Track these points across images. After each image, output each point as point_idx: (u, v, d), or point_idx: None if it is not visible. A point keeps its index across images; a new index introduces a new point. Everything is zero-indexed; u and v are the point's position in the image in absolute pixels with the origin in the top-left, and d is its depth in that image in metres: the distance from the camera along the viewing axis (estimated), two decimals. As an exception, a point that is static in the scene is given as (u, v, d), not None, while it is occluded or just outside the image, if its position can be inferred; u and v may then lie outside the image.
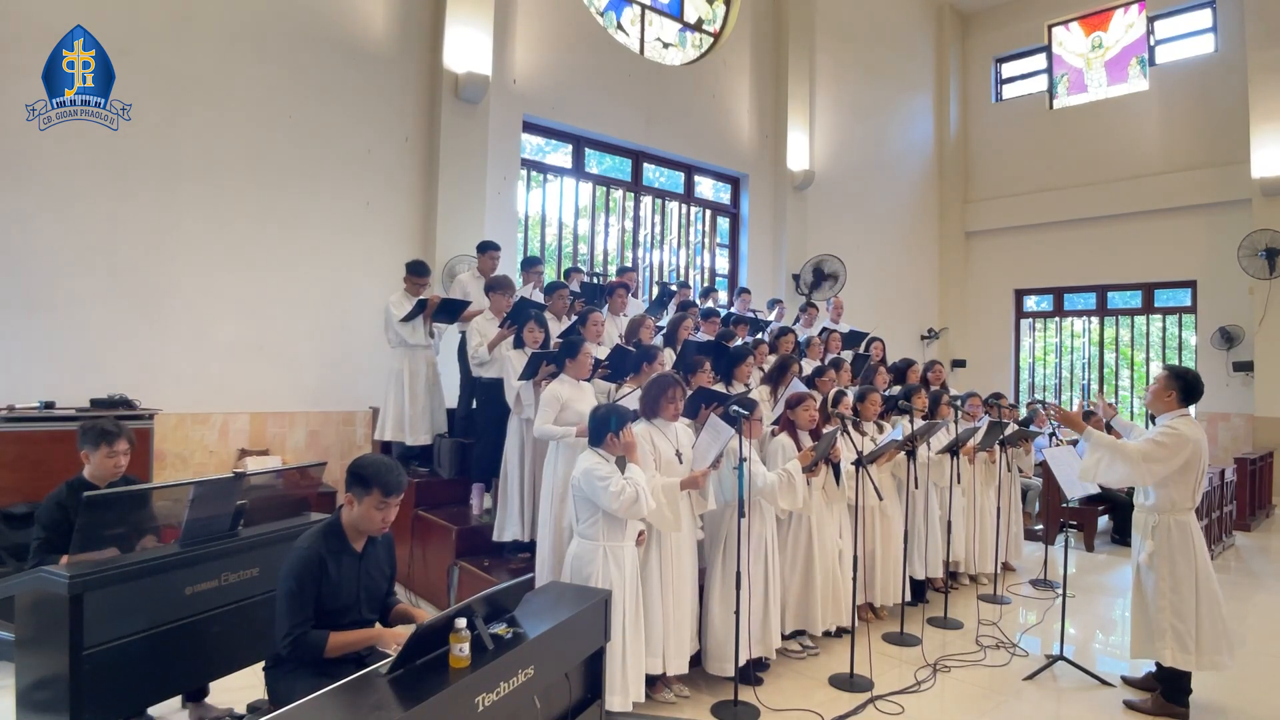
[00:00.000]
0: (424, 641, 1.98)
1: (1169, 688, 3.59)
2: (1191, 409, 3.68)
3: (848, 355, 6.52)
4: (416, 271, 5.39)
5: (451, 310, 5.34)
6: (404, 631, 2.25)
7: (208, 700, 3.17)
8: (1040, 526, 7.28)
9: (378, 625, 2.49)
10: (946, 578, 5.32)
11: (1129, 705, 3.65)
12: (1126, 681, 3.89)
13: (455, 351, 5.76)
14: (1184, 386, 3.62)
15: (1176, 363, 10.82)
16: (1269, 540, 7.69)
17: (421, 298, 5.26)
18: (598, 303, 5.87)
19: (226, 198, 5.75)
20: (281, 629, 2.30)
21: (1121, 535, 7.32)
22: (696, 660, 3.69)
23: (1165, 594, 3.53)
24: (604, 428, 3.19)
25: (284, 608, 2.31)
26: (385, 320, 5.37)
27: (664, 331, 5.57)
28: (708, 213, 9.87)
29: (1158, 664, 3.64)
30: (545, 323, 4.64)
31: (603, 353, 4.64)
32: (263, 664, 2.51)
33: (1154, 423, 3.81)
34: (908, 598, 4.70)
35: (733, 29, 9.71)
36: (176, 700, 3.17)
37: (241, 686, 3.11)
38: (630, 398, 3.96)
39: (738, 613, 3.41)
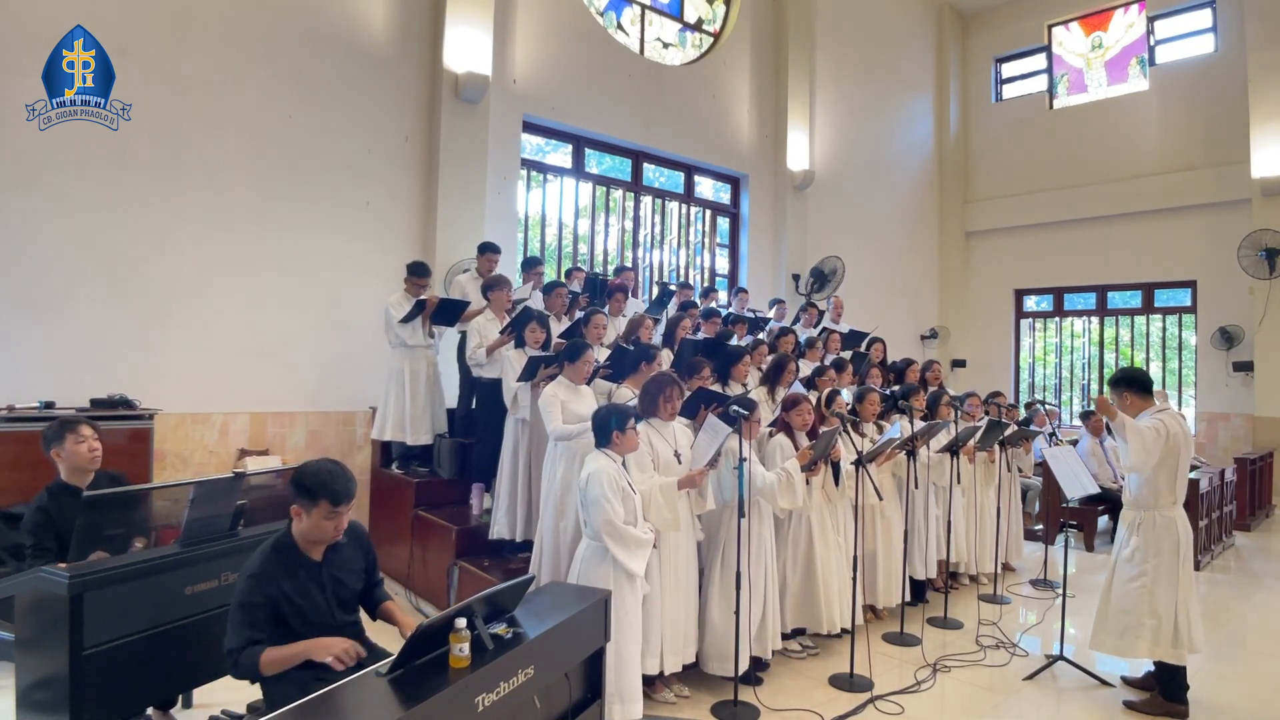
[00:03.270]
0: (424, 641, 1.98)
1: (1167, 687, 3.59)
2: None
3: (847, 355, 6.52)
4: (416, 273, 5.39)
5: (451, 312, 5.33)
6: (336, 641, 2.18)
7: (173, 711, 3.16)
8: (1040, 526, 7.28)
9: (310, 640, 2.32)
10: (946, 578, 5.33)
11: (1128, 705, 3.65)
12: (1126, 681, 3.89)
13: (455, 351, 5.76)
14: (1129, 384, 3.70)
15: (1178, 363, 10.82)
16: (1269, 540, 7.69)
17: (420, 298, 5.25)
18: (599, 300, 5.87)
19: (226, 197, 5.74)
20: (227, 645, 2.26)
21: (1121, 535, 7.31)
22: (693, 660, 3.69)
23: (1146, 588, 3.55)
24: (607, 428, 3.20)
25: (229, 628, 2.26)
26: (385, 321, 5.37)
27: (663, 331, 5.58)
28: (708, 213, 9.87)
29: (1156, 663, 3.64)
30: (547, 322, 4.65)
31: (603, 354, 4.65)
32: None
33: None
34: (907, 598, 4.70)
35: (733, 29, 9.71)
36: (175, 701, 3.17)
37: (241, 686, 3.09)
38: (628, 397, 3.96)
39: (738, 613, 3.41)
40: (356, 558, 2.53)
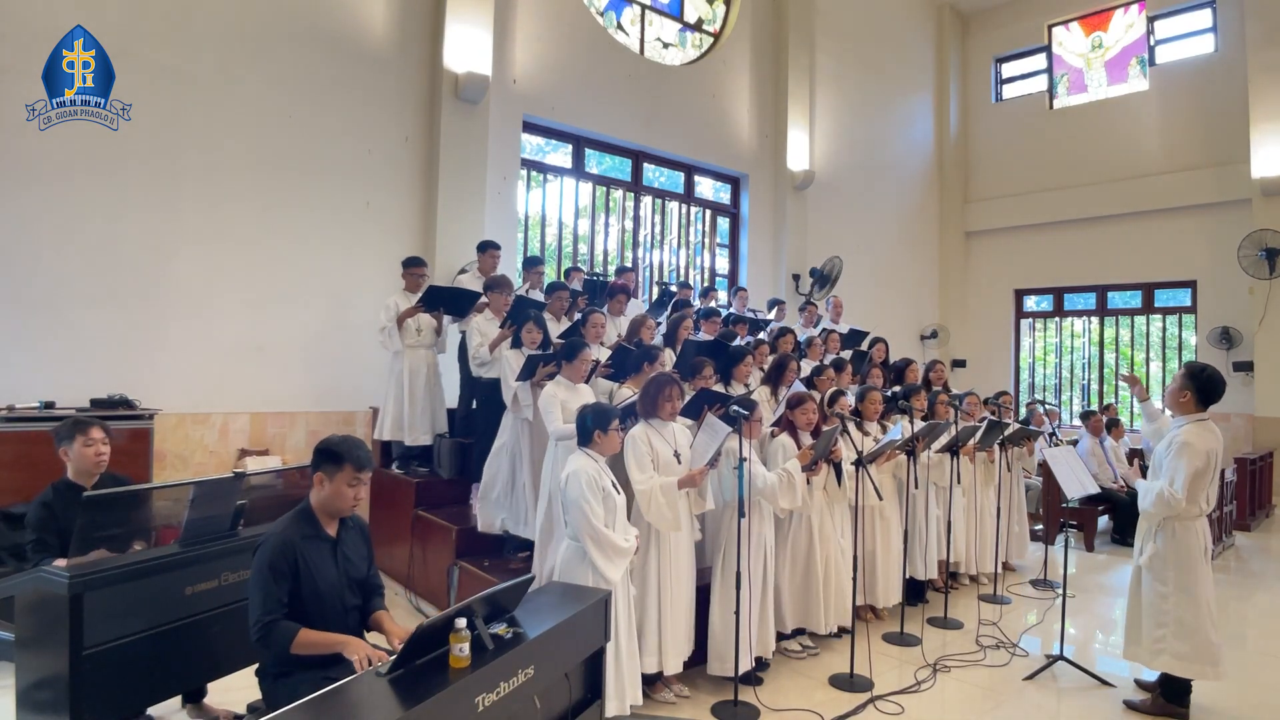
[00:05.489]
0: (424, 641, 1.98)
1: (1169, 688, 3.58)
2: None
3: (847, 355, 6.51)
4: (413, 264, 5.43)
5: (460, 302, 5.30)
6: (370, 645, 2.20)
7: (206, 701, 3.17)
8: (1040, 526, 7.28)
9: (348, 635, 2.38)
10: (946, 578, 5.33)
11: (1129, 705, 3.65)
12: (1141, 685, 3.84)
13: (455, 351, 5.76)
14: (1199, 387, 3.50)
15: (1177, 363, 10.82)
16: (1269, 540, 7.69)
17: (430, 285, 5.24)
18: (598, 301, 5.87)
19: (226, 198, 5.74)
20: (253, 617, 2.27)
21: (1121, 535, 7.32)
22: (694, 660, 3.69)
23: (1166, 598, 3.50)
24: (587, 428, 3.18)
25: (256, 597, 2.28)
26: (382, 319, 5.33)
27: (664, 332, 5.58)
28: (708, 213, 9.86)
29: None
30: (544, 323, 4.65)
31: (604, 354, 4.65)
32: (255, 668, 2.50)
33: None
34: (904, 598, 4.70)
35: (733, 29, 9.70)
36: (176, 700, 3.16)
37: (241, 687, 3.10)
38: (629, 397, 3.97)
39: (738, 613, 3.41)
40: (361, 546, 2.60)
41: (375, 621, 2.58)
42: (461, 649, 1.99)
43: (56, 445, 3.05)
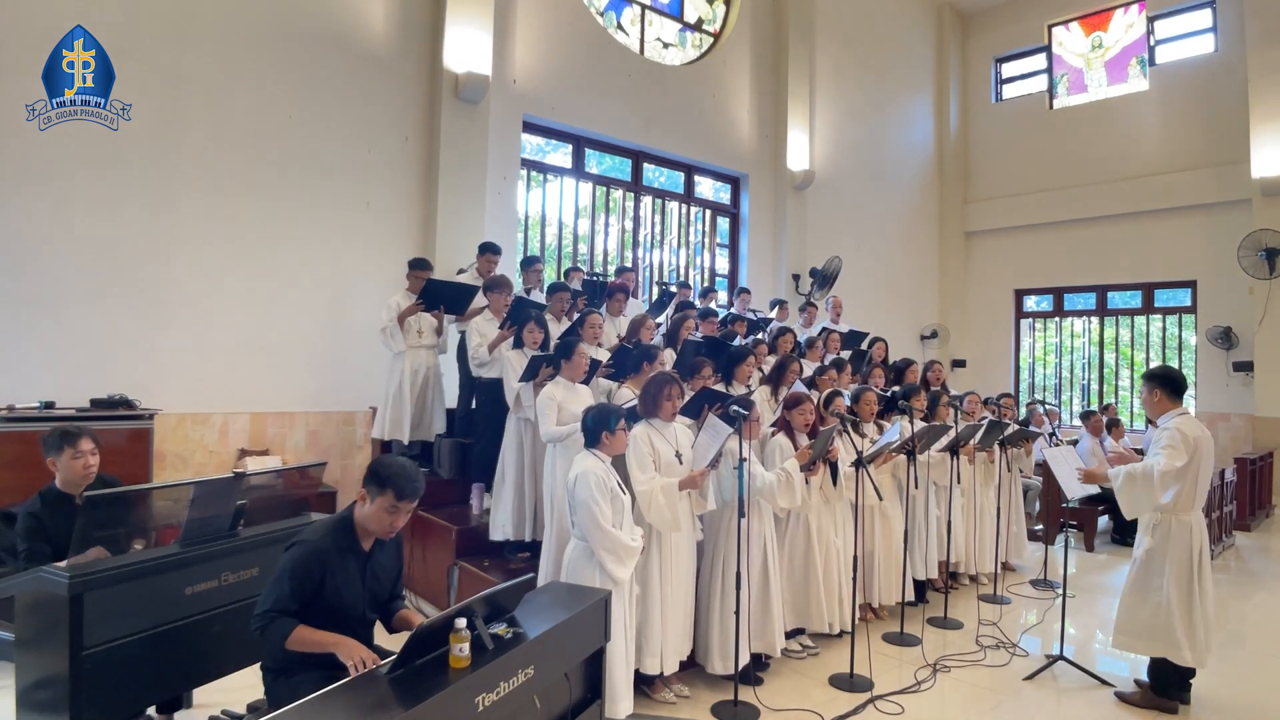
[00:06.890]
0: (424, 641, 1.99)
1: (1157, 681, 3.62)
2: (1192, 405, 3.66)
3: (847, 355, 6.51)
4: (419, 266, 5.42)
5: (457, 298, 5.30)
6: (364, 649, 2.20)
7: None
8: (1040, 526, 7.28)
9: (344, 636, 2.33)
10: (946, 578, 5.33)
11: (1120, 697, 3.71)
12: (1140, 685, 3.85)
13: (455, 351, 5.76)
14: (1163, 383, 3.65)
15: (1176, 363, 10.82)
16: (1269, 540, 7.69)
17: (424, 287, 5.24)
18: (598, 301, 5.87)
19: (226, 197, 5.74)
20: (260, 607, 2.28)
21: (1121, 535, 7.32)
22: (693, 660, 3.69)
23: (1160, 590, 3.54)
24: (597, 429, 3.19)
25: (270, 590, 2.29)
26: (383, 319, 5.32)
27: (664, 331, 5.58)
28: (708, 213, 9.86)
29: (1152, 660, 3.65)
30: (545, 323, 4.65)
31: (603, 354, 4.65)
32: (260, 664, 2.51)
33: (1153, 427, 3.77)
34: (908, 598, 4.70)
35: (733, 29, 9.71)
36: (179, 703, 3.16)
37: (241, 686, 3.11)
38: (629, 398, 3.97)
39: (738, 613, 3.41)
40: (393, 565, 2.58)
41: (402, 620, 2.56)
42: (461, 649, 1.99)
43: (44, 454, 3.02)
